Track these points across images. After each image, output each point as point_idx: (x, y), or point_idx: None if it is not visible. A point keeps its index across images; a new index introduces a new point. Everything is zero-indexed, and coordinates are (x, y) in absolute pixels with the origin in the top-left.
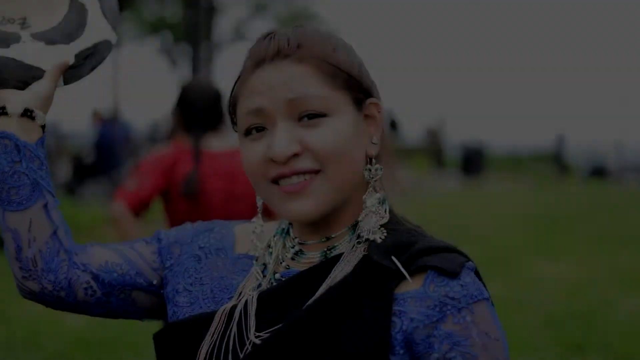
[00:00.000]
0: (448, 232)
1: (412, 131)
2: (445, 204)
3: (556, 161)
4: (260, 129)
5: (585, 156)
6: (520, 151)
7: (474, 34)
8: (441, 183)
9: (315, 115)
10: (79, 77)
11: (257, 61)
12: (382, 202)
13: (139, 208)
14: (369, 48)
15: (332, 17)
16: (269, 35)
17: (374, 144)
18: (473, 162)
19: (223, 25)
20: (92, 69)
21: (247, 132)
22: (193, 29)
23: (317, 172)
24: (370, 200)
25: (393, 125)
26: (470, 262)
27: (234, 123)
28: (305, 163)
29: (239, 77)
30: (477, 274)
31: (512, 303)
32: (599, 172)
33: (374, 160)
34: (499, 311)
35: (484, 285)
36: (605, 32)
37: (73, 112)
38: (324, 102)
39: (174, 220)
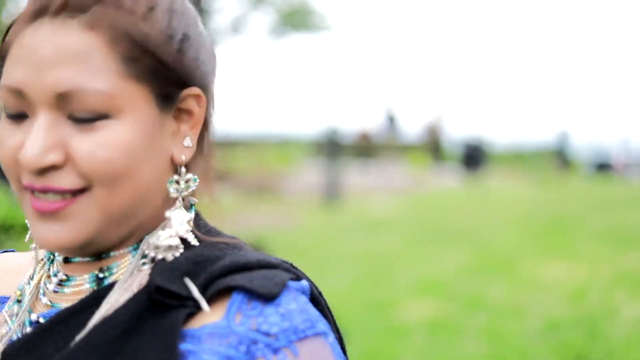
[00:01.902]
0: (446, 233)
1: (412, 127)
2: (444, 202)
3: (559, 157)
4: (21, 115)
5: (589, 152)
6: (523, 147)
7: (475, 28)
8: (440, 180)
9: (90, 119)
10: None
11: (36, 9)
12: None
13: None
14: (368, 45)
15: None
16: None
17: (186, 147)
18: (474, 158)
19: (218, 21)
20: None
21: (6, 110)
22: None
23: (82, 190)
24: (178, 219)
25: (391, 120)
26: (300, 283)
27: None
28: (64, 180)
29: (15, 21)
30: (314, 298)
31: (511, 308)
32: (603, 168)
33: (183, 169)
34: (498, 316)
35: (327, 315)
36: (607, 28)
37: None
38: (108, 100)
39: None
